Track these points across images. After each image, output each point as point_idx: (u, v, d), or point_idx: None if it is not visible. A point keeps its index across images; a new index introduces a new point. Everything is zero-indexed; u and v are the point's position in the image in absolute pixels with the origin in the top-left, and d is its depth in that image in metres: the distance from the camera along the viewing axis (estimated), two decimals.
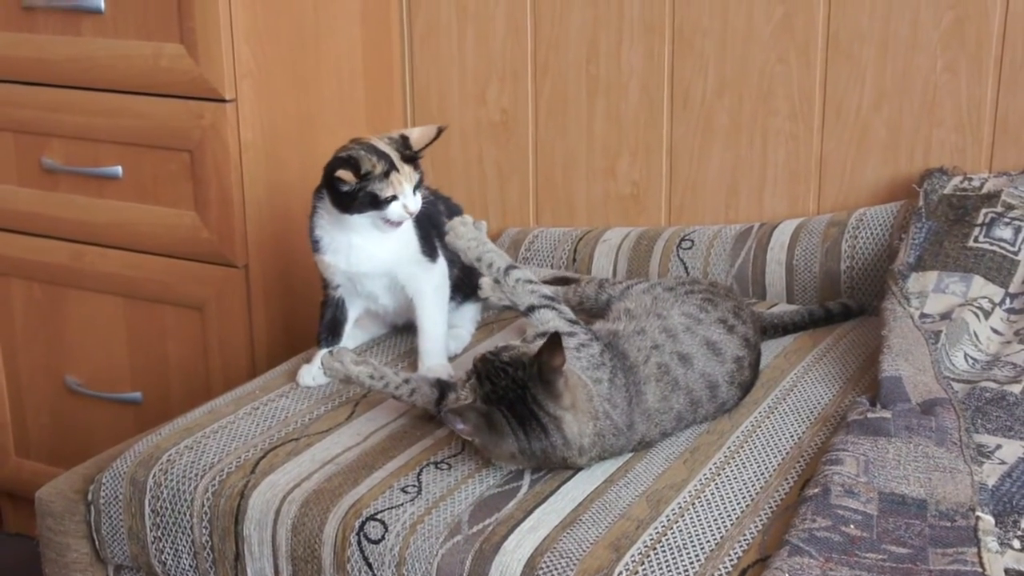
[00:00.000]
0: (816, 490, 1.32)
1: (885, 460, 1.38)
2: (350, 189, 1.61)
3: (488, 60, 2.26)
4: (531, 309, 1.56)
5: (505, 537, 1.31)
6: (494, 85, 2.27)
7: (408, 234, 1.70)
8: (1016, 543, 1.25)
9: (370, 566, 1.35)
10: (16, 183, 2.16)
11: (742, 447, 1.49)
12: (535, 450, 1.40)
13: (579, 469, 1.44)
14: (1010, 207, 1.82)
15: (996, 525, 1.27)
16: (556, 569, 1.27)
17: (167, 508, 1.48)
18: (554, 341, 1.39)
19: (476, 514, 1.36)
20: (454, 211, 1.82)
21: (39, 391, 2.29)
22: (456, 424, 1.39)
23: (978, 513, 1.28)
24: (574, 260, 2.17)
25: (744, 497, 1.38)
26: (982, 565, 1.20)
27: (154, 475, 1.50)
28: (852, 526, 1.26)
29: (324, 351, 1.67)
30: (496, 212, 2.33)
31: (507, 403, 1.39)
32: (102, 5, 1.97)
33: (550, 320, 1.53)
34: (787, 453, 1.47)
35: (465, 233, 1.60)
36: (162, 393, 2.16)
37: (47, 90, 2.07)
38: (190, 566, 1.48)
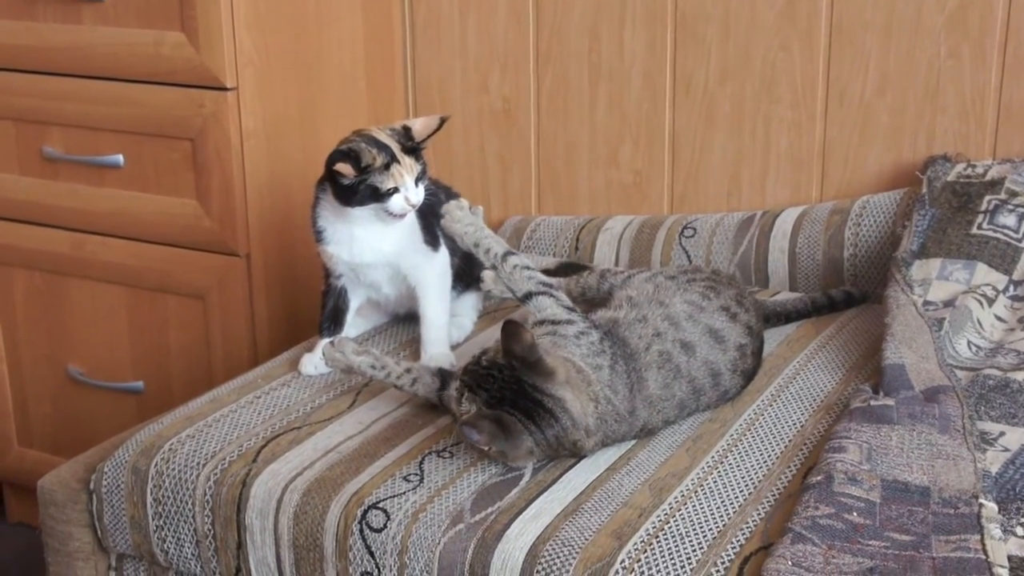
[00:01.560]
0: (819, 478, 1.32)
1: (888, 447, 1.38)
2: (351, 182, 1.60)
3: (490, 48, 2.25)
4: (528, 296, 1.55)
5: (507, 526, 1.31)
6: (496, 73, 2.26)
7: (410, 224, 1.69)
8: (1019, 530, 1.25)
9: (372, 555, 1.35)
10: (17, 172, 2.16)
11: (745, 435, 1.49)
12: (549, 439, 1.39)
13: (584, 455, 1.44)
14: (1014, 194, 1.82)
15: (999, 512, 1.27)
16: (558, 557, 1.26)
17: (169, 497, 1.48)
18: (507, 329, 1.39)
19: (478, 502, 1.36)
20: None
21: (41, 380, 2.29)
22: (472, 436, 1.38)
23: (981, 500, 1.27)
24: (576, 248, 2.16)
25: (747, 485, 1.37)
26: (985, 552, 1.19)
27: (156, 464, 1.50)
28: (855, 513, 1.26)
29: (326, 340, 1.67)
30: (498, 200, 2.33)
31: (509, 403, 1.39)
32: None
33: (547, 307, 1.53)
34: (790, 441, 1.47)
35: (462, 218, 1.59)
36: (164, 382, 2.16)
37: (48, 78, 2.07)
38: (192, 555, 1.48)
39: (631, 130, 2.18)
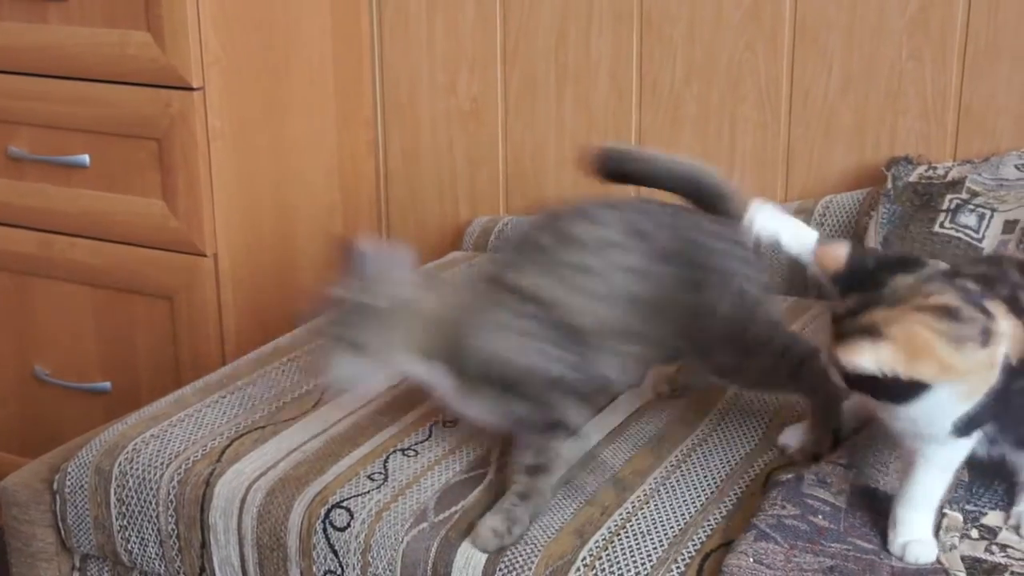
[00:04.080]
0: (789, 476, 1.33)
1: (866, 451, 1.38)
2: None
3: (458, 48, 2.25)
4: None
5: (471, 524, 1.32)
6: (464, 73, 2.26)
7: None
8: (974, 532, 1.26)
9: (336, 553, 1.35)
10: None
11: (710, 435, 1.50)
12: None
13: None
14: (975, 194, 1.83)
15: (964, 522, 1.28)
16: (520, 555, 1.27)
17: (133, 497, 1.48)
18: None
19: (442, 501, 1.36)
20: None
21: (7, 381, 2.28)
22: None
23: (945, 510, 1.28)
24: None
25: (710, 484, 1.38)
26: (939, 561, 1.21)
27: (119, 464, 1.49)
28: (820, 516, 1.27)
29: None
30: (466, 201, 2.33)
31: None
32: None
33: None
34: (756, 442, 1.48)
35: None
36: (131, 383, 2.15)
37: (13, 78, 2.06)
38: (156, 555, 1.48)
39: (598, 130, 2.19)
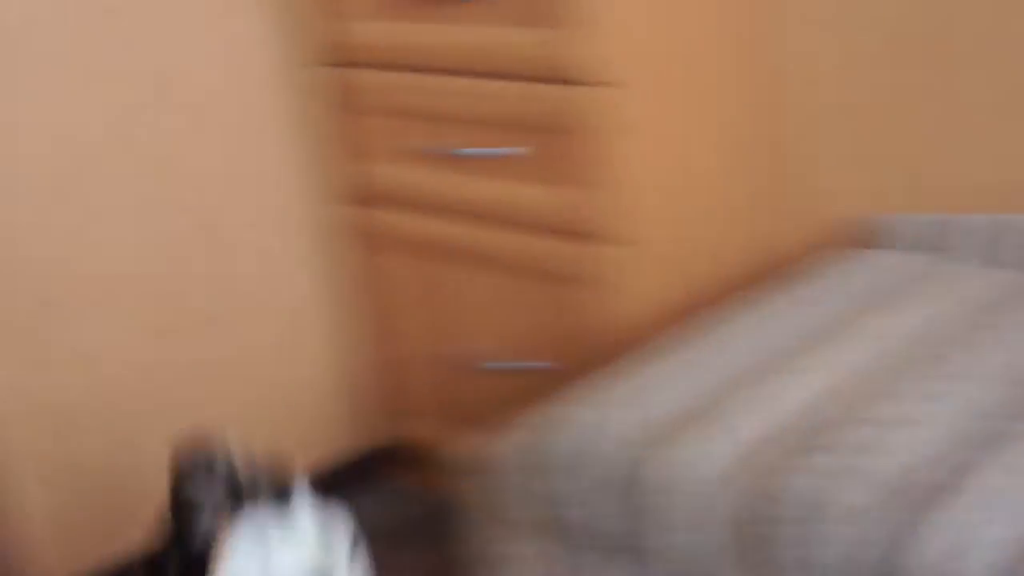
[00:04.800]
0: None
1: None
2: None
3: (864, 37, 2.18)
4: None
5: None
6: (867, 63, 2.21)
7: None
8: None
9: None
10: (424, 166, 2.33)
11: None
12: None
13: None
14: None
15: None
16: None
17: (570, 475, 1.55)
18: None
19: None
20: None
21: (443, 363, 2.45)
22: None
23: None
24: None
25: None
26: None
27: (559, 441, 1.57)
28: None
29: None
30: (869, 195, 2.28)
31: None
32: None
33: None
34: None
35: None
36: (562, 367, 2.24)
37: (448, 79, 2.21)
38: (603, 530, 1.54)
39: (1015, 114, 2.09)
